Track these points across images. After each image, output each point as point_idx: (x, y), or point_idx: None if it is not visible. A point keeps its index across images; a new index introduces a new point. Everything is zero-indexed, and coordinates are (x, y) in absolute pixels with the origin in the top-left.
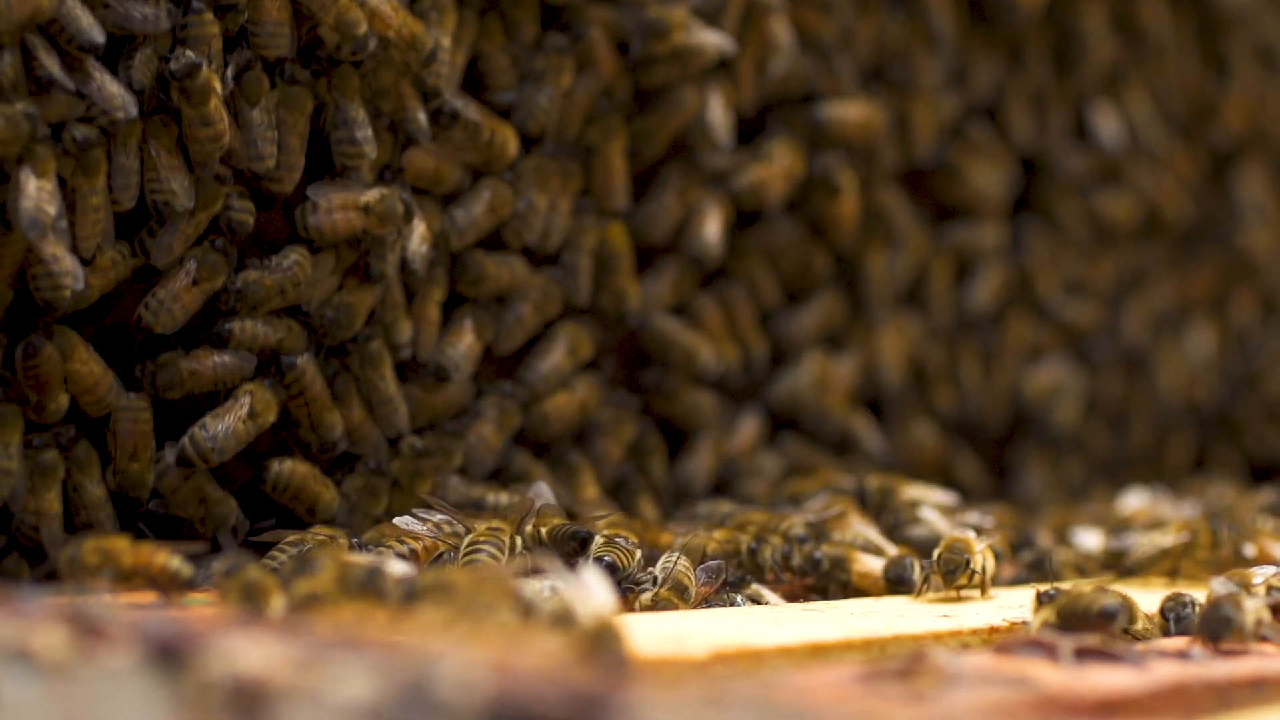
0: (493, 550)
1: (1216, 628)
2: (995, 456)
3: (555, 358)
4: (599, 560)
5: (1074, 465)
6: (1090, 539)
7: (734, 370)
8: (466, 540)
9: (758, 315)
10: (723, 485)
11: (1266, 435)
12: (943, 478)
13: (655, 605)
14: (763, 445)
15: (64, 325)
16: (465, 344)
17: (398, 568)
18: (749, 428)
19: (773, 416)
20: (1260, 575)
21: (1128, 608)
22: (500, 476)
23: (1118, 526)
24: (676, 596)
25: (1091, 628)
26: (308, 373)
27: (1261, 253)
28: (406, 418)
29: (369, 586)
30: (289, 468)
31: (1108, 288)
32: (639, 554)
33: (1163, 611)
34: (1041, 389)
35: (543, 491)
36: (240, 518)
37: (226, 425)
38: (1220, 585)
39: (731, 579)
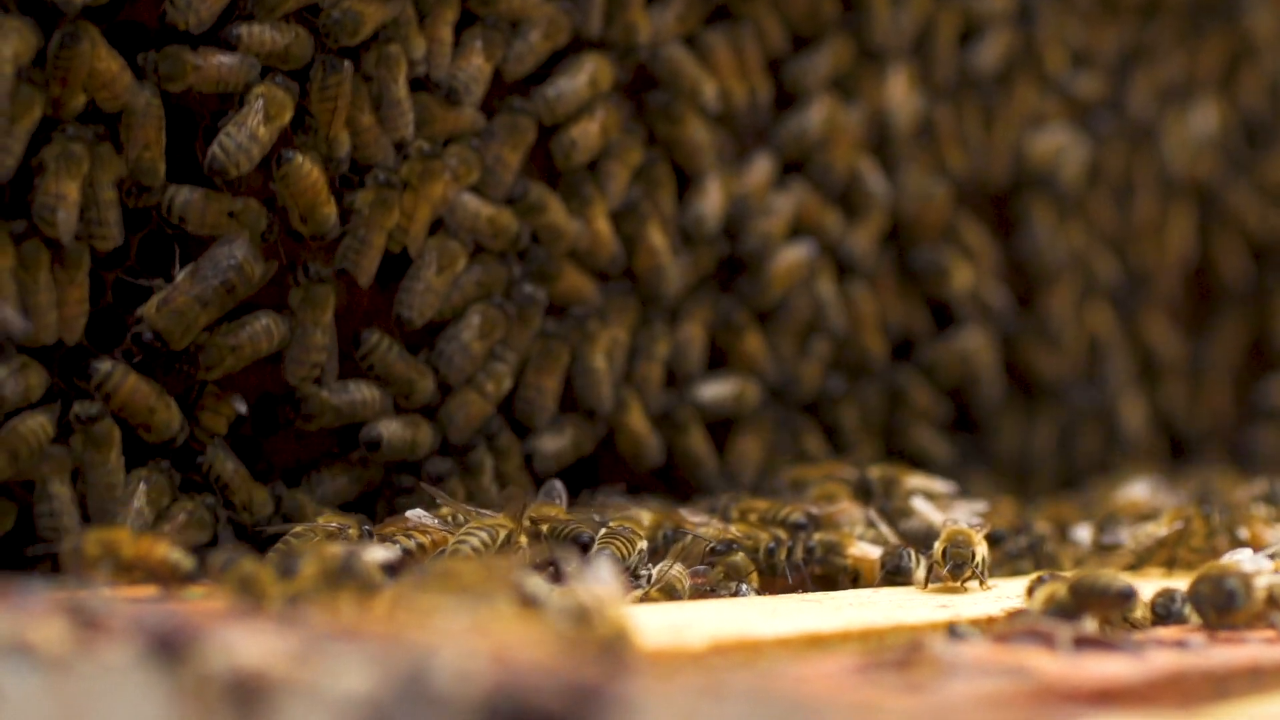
0: (480, 540)
1: (1222, 601)
2: (999, 216)
3: (578, 81)
4: (600, 553)
5: (1078, 230)
6: (1083, 533)
7: (741, 109)
8: (460, 532)
9: (764, 58)
10: (734, 225)
11: (1268, 215)
12: (948, 235)
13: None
14: (774, 187)
15: (85, 21)
16: (475, 65)
17: (377, 554)
18: (760, 167)
19: (782, 161)
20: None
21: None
22: (517, 205)
23: (1107, 520)
24: (666, 598)
25: (1106, 606)
26: (348, 79)
27: (1265, 34)
28: (412, 124)
29: (348, 576)
30: (308, 166)
31: (1113, 60)
32: (641, 544)
33: (1153, 607)
34: (1045, 150)
35: (555, 489)
36: (269, 217)
37: (247, 129)
38: (1250, 562)
39: (719, 547)
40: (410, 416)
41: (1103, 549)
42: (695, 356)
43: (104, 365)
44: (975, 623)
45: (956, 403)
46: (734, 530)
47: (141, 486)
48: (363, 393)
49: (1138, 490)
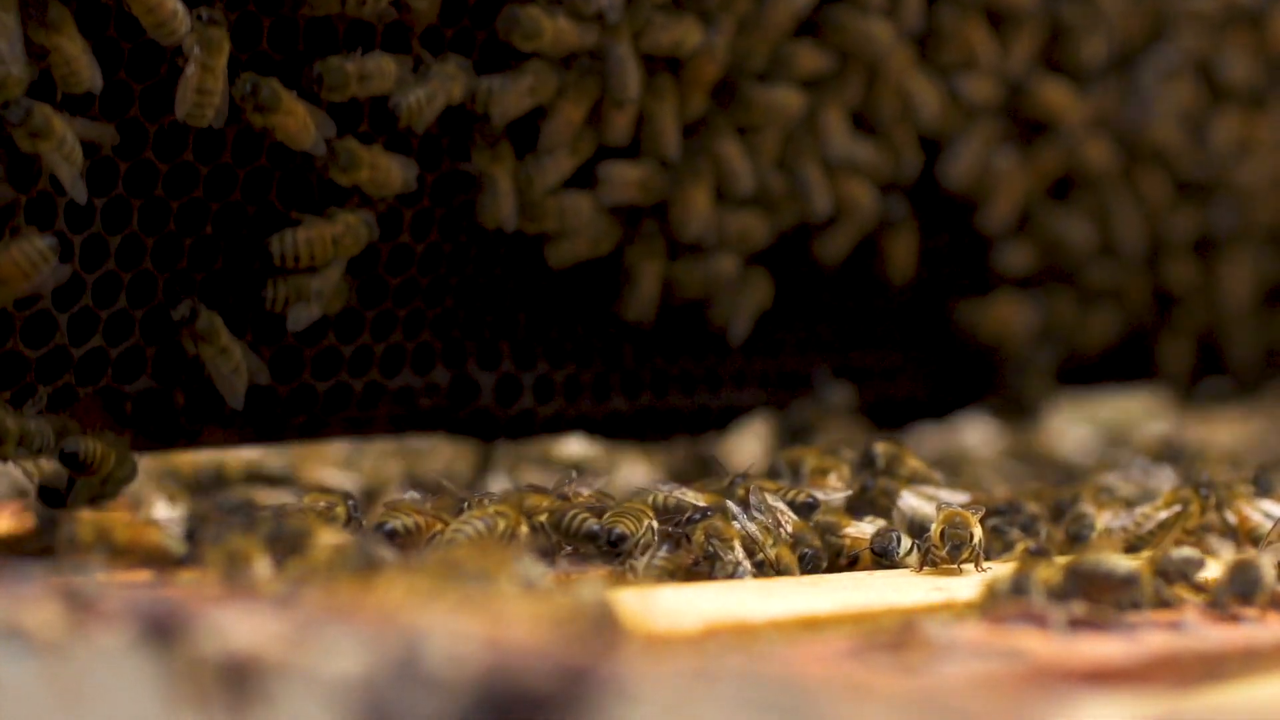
0: (475, 528)
1: (1247, 587)
2: None
3: None
4: (608, 533)
5: None
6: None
7: None
8: (458, 519)
9: None
10: None
11: None
12: None
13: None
14: None
15: None
16: None
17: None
18: None
19: None
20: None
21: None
22: None
23: (1074, 504)
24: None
25: (1110, 591)
26: None
27: None
28: None
29: (363, 564)
30: None
31: None
32: (646, 522)
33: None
34: None
35: (572, 477)
36: None
37: None
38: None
39: (695, 515)
40: None
41: (1075, 537)
42: None
43: None
44: (970, 605)
45: None
46: (786, 533)
47: None
48: None
49: (1112, 478)
